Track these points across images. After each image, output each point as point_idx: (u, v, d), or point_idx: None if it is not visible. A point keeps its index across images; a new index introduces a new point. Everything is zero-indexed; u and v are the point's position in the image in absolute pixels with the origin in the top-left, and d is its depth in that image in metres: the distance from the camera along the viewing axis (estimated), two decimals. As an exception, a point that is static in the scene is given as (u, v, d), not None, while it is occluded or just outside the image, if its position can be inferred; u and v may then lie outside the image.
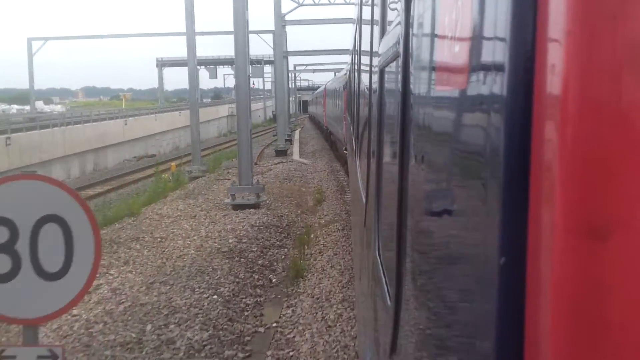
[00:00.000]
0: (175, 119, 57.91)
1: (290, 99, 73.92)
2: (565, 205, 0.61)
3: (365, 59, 5.17)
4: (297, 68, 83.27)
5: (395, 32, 1.97)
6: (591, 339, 0.62)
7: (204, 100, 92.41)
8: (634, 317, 0.60)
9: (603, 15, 0.60)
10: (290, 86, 65.02)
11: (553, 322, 0.63)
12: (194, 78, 26.00)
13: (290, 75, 75.56)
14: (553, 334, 0.63)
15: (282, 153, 33.76)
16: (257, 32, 51.96)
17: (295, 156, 32.90)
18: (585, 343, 0.62)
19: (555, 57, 0.63)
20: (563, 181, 0.62)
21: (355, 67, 8.85)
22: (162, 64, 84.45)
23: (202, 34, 48.12)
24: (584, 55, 0.60)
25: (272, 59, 53.47)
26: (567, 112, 0.61)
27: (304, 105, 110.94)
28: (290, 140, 41.21)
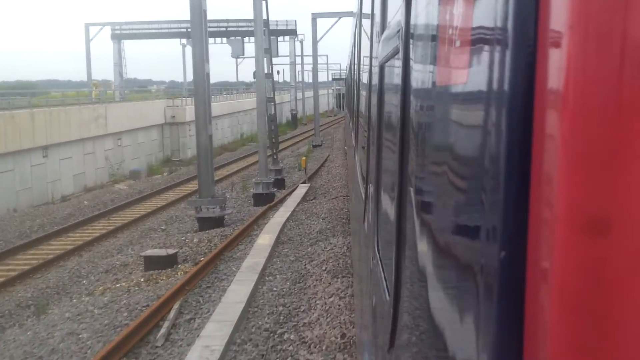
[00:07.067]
0: None
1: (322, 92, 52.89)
2: (567, 199, 0.61)
3: (365, 54, 5.16)
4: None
5: (395, 27, 1.97)
6: (592, 332, 0.62)
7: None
8: (636, 311, 0.60)
9: (606, 8, 0.60)
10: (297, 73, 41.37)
11: (553, 317, 0.63)
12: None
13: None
14: (553, 329, 0.63)
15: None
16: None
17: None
18: (585, 337, 0.62)
19: (557, 52, 0.63)
20: (564, 175, 0.62)
21: (355, 62, 8.85)
22: (119, 35, 53.07)
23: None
24: (587, 50, 0.60)
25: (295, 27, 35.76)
26: (569, 106, 0.61)
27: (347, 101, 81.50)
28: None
